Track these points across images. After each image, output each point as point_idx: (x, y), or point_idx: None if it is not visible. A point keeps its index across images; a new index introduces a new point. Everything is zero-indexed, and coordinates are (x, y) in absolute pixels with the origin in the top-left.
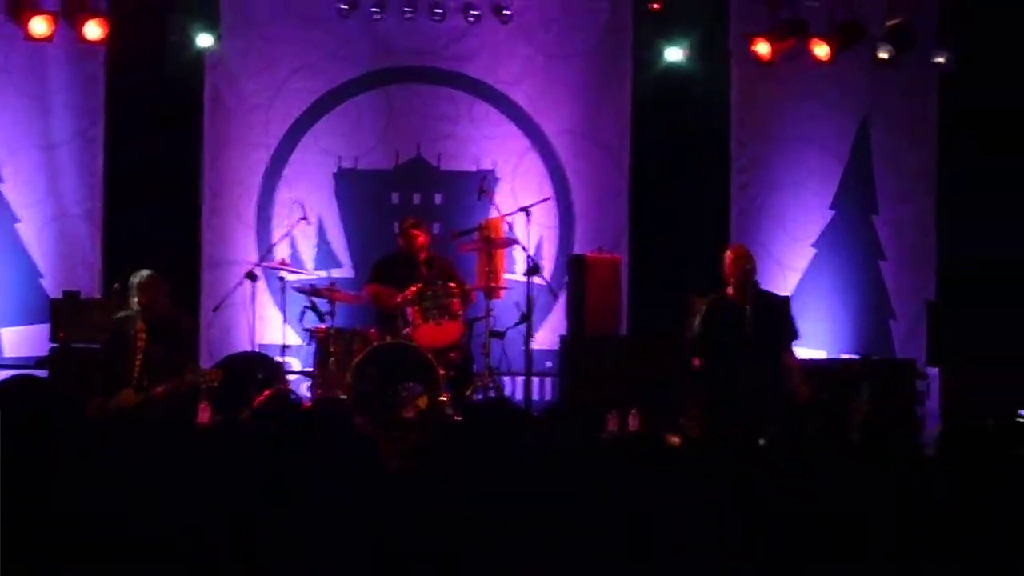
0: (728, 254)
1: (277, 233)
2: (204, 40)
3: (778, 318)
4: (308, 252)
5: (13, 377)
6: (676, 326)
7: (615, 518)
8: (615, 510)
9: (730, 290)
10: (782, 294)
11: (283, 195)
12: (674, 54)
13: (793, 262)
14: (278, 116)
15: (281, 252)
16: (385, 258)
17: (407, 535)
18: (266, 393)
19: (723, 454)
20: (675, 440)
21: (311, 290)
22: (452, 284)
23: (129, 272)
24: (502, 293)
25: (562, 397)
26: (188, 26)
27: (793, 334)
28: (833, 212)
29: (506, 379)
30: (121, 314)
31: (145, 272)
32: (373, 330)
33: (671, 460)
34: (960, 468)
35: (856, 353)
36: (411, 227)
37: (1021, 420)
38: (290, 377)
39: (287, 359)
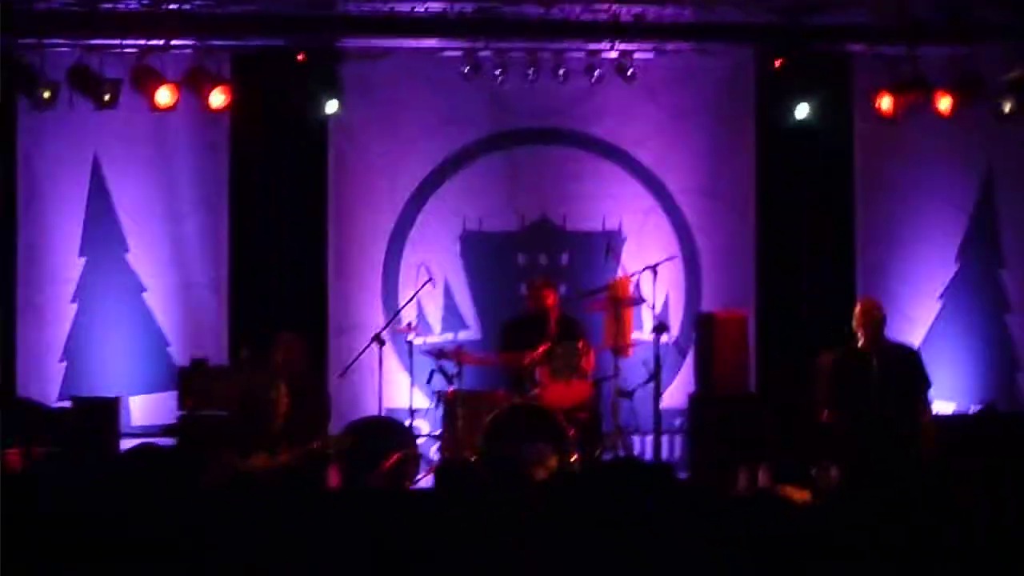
0: (857, 306)
1: (403, 296)
2: (328, 107)
3: (908, 368)
4: (435, 315)
5: (138, 446)
6: (804, 383)
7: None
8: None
9: (860, 342)
10: (911, 344)
11: (409, 258)
12: (798, 110)
13: (919, 315)
14: (402, 179)
15: (408, 316)
16: (513, 321)
17: None
18: (394, 457)
19: (857, 507)
20: (804, 495)
21: (438, 353)
22: (580, 344)
23: (255, 339)
24: (630, 352)
25: (691, 455)
26: (311, 92)
27: (926, 384)
28: (958, 265)
29: (635, 438)
30: (258, 376)
31: (285, 333)
32: (501, 391)
33: (797, 516)
34: None
35: (983, 405)
36: (541, 287)
37: None
38: (419, 440)
39: (416, 422)
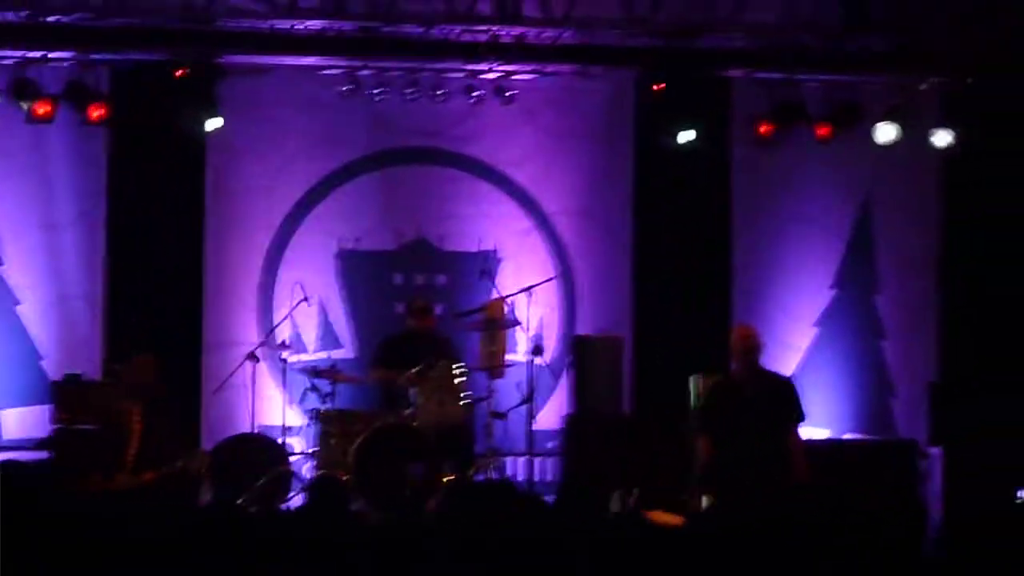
0: (733, 333)
1: (279, 314)
2: (210, 123)
3: (782, 399)
4: (310, 333)
5: (7, 462)
6: (679, 406)
7: None
8: None
9: (734, 369)
10: (785, 375)
11: (285, 276)
12: (680, 136)
13: (795, 341)
14: (280, 197)
15: (283, 333)
16: (390, 339)
17: None
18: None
19: (727, 532)
20: (676, 520)
21: (313, 371)
22: (455, 364)
23: (130, 354)
24: (504, 373)
25: (565, 477)
26: (190, 108)
27: (799, 415)
28: (835, 291)
29: (508, 459)
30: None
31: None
32: (375, 410)
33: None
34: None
35: (859, 432)
36: (422, 307)
37: (1020, 501)
38: (292, 458)
39: (289, 440)
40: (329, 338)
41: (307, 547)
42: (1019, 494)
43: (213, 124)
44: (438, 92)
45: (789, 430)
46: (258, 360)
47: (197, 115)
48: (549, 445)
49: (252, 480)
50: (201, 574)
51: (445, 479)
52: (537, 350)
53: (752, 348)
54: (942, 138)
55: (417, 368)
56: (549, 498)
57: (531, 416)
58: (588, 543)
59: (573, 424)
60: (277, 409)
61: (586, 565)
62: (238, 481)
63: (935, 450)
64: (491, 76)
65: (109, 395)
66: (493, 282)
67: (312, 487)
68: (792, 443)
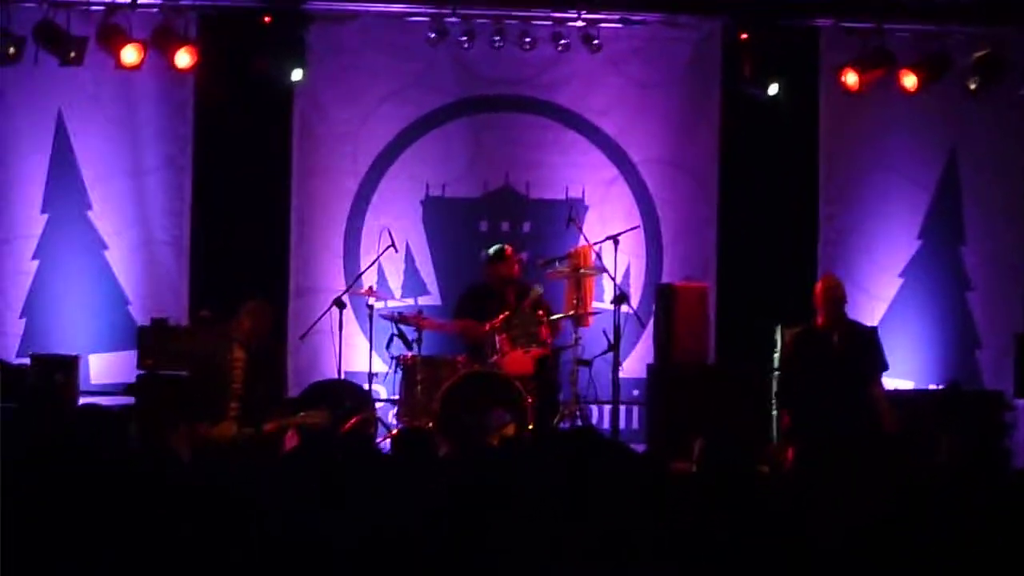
0: (819, 284)
1: (365, 261)
2: (294, 75)
3: (867, 348)
4: (396, 280)
5: (87, 406)
6: (763, 355)
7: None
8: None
9: (819, 320)
10: (870, 324)
11: (371, 223)
12: (768, 88)
13: (880, 292)
14: (366, 144)
15: (369, 280)
16: (471, 291)
17: (483, 560)
18: (353, 420)
19: (809, 483)
20: (763, 469)
21: (398, 317)
22: (540, 312)
23: (216, 299)
24: (590, 321)
25: (649, 426)
26: (277, 55)
27: (882, 365)
28: (920, 242)
29: (593, 408)
30: (215, 340)
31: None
32: (461, 357)
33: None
34: None
35: (943, 383)
36: (513, 255)
37: None
38: (377, 404)
39: (374, 387)
40: (415, 284)
41: (392, 491)
42: None
43: (296, 75)
44: (525, 40)
45: (873, 379)
46: (344, 306)
47: (284, 61)
48: (634, 393)
49: (337, 425)
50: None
51: (530, 427)
52: (622, 298)
53: (837, 298)
54: None
55: (503, 316)
56: (634, 446)
57: (616, 364)
58: (664, 490)
59: (657, 373)
60: (363, 355)
61: (666, 512)
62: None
63: (1021, 402)
64: (578, 24)
65: (197, 340)
66: (579, 230)
67: (399, 437)
68: (876, 393)
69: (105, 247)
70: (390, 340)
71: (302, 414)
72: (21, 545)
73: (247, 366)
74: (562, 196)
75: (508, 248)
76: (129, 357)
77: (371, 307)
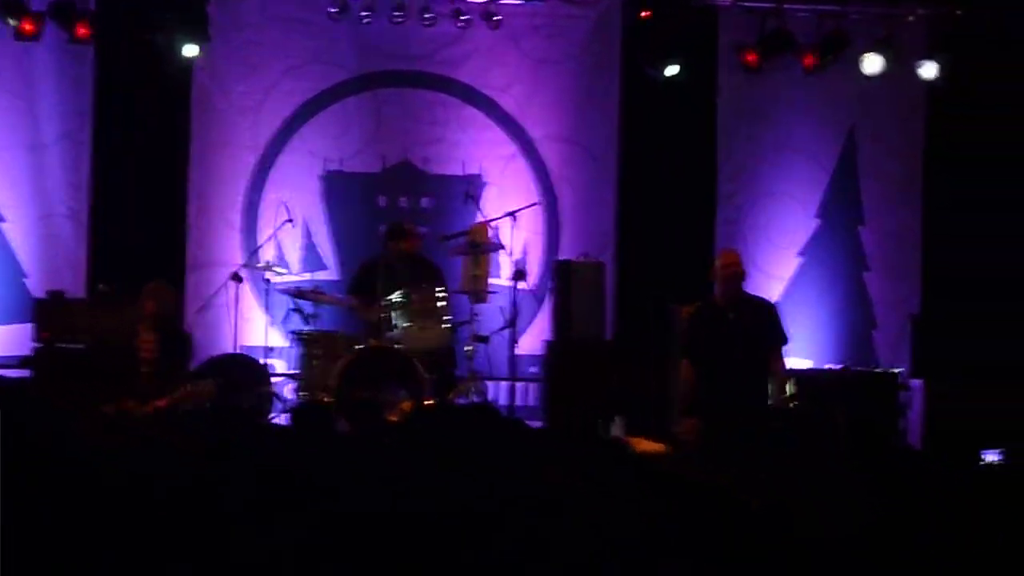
0: (717, 259)
1: (263, 235)
2: (189, 50)
3: (765, 322)
4: (294, 254)
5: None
6: (660, 332)
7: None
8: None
9: (717, 294)
10: (767, 298)
11: (269, 197)
12: (666, 70)
13: (779, 271)
14: (266, 118)
15: (267, 254)
16: (365, 266)
17: (382, 537)
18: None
19: (712, 459)
20: (659, 447)
21: (296, 292)
22: (438, 288)
23: (114, 272)
24: (488, 297)
25: (545, 402)
26: (175, 29)
27: (782, 338)
28: (819, 221)
29: (490, 384)
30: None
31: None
32: (358, 333)
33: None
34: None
35: (839, 363)
36: (407, 229)
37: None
38: (274, 379)
39: (271, 361)
40: (313, 259)
41: (291, 469)
42: (984, 456)
43: (191, 51)
44: (425, 16)
45: (773, 353)
46: (241, 280)
47: (183, 35)
48: (531, 370)
49: (232, 400)
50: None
51: (427, 402)
52: (520, 275)
53: (736, 273)
54: (928, 70)
55: (400, 292)
56: (531, 423)
57: (513, 341)
58: (572, 470)
59: (554, 349)
60: (260, 330)
61: (569, 492)
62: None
63: (916, 382)
64: (478, 0)
65: (96, 315)
66: (477, 206)
67: (296, 410)
68: (775, 365)
69: (1, 220)
70: (287, 315)
71: (188, 386)
72: None
73: (159, 346)
74: (461, 172)
75: (407, 223)
76: (25, 330)
77: (268, 282)
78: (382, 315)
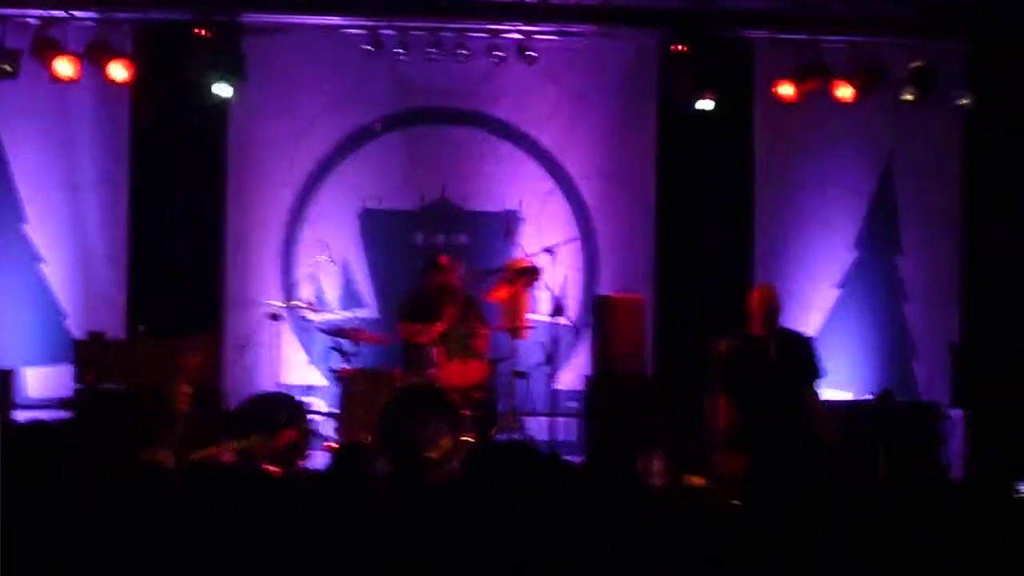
0: (754, 293)
1: (301, 273)
2: (222, 89)
3: (802, 356)
4: (332, 292)
5: (33, 423)
6: (700, 367)
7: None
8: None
9: (755, 329)
10: (804, 332)
11: (308, 235)
12: (700, 103)
13: (817, 303)
14: (303, 156)
15: (306, 292)
16: (413, 296)
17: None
18: (287, 434)
19: (751, 493)
20: (700, 481)
21: (336, 331)
22: (478, 324)
23: (153, 313)
24: (527, 333)
25: (586, 438)
26: (211, 68)
27: (817, 372)
28: (857, 253)
29: (530, 419)
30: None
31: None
32: (398, 370)
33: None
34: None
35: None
36: (447, 263)
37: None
38: (315, 418)
39: (312, 399)
40: (351, 297)
41: (329, 510)
42: (1020, 487)
43: (225, 92)
44: (461, 52)
45: (810, 387)
46: (280, 319)
47: (219, 74)
48: (571, 405)
49: (272, 437)
50: (219, 536)
51: (467, 439)
52: (559, 310)
53: (772, 308)
54: (964, 100)
55: (440, 327)
56: (570, 458)
57: (553, 376)
58: (616, 506)
59: (594, 384)
60: (299, 368)
61: (614, 530)
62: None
63: (956, 413)
64: (514, 36)
65: (135, 355)
66: (516, 242)
67: (337, 452)
68: (811, 400)
69: (41, 260)
70: (327, 353)
71: (235, 443)
72: None
73: (193, 399)
74: (499, 208)
75: (443, 257)
76: (65, 371)
77: (308, 320)
78: (423, 347)
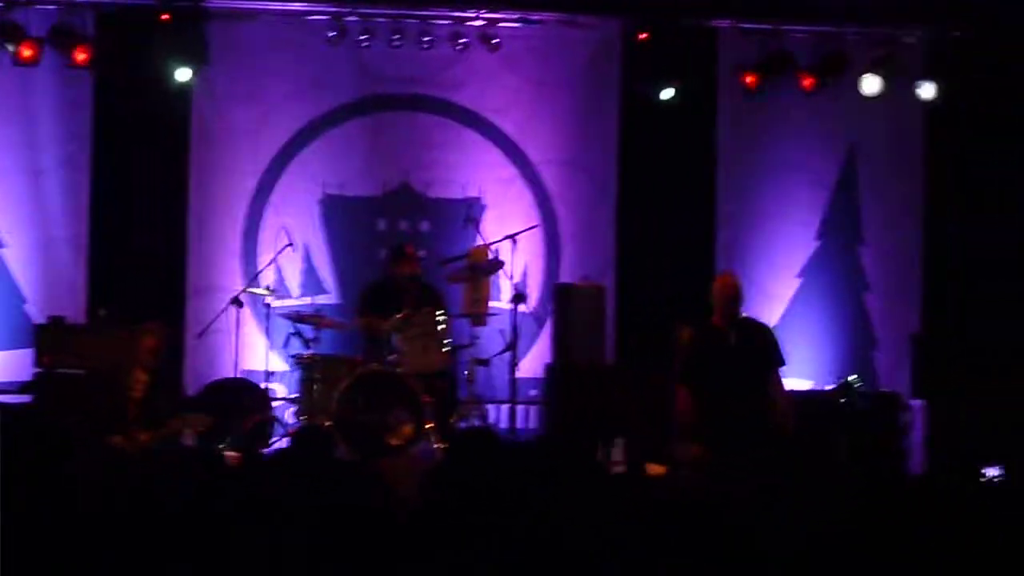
0: (716, 282)
1: (263, 259)
2: (182, 73)
3: (763, 345)
4: (294, 278)
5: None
6: (661, 355)
7: (596, 547)
8: (594, 539)
9: (715, 318)
10: (764, 321)
11: (269, 221)
12: (663, 93)
13: (778, 292)
14: (265, 143)
15: (267, 278)
16: (374, 285)
17: (388, 565)
18: (251, 420)
19: (712, 482)
20: (660, 469)
21: (296, 316)
22: (438, 311)
23: (114, 298)
24: (488, 320)
25: (546, 425)
26: (173, 53)
27: (779, 360)
28: (819, 242)
29: (491, 407)
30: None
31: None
32: (359, 357)
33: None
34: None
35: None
36: (408, 253)
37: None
38: (275, 403)
39: (272, 385)
40: (313, 283)
41: (289, 493)
42: (985, 472)
43: (183, 76)
44: (424, 39)
45: (771, 376)
46: (242, 305)
47: (182, 59)
48: (531, 393)
49: (234, 424)
50: (183, 522)
51: (427, 426)
52: (520, 298)
53: (734, 296)
54: (926, 90)
55: (401, 314)
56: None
57: (514, 364)
58: (576, 491)
59: (555, 372)
60: (260, 354)
61: (571, 515)
62: (220, 426)
63: (917, 403)
64: (477, 23)
65: (95, 340)
66: (477, 229)
67: (296, 435)
68: (774, 389)
69: (1, 245)
70: (288, 339)
71: (179, 421)
72: None
73: (147, 385)
74: (460, 195)
75: (409, 247)
76: (25, 356)
77: (269, 306)
78: (385, 334)
